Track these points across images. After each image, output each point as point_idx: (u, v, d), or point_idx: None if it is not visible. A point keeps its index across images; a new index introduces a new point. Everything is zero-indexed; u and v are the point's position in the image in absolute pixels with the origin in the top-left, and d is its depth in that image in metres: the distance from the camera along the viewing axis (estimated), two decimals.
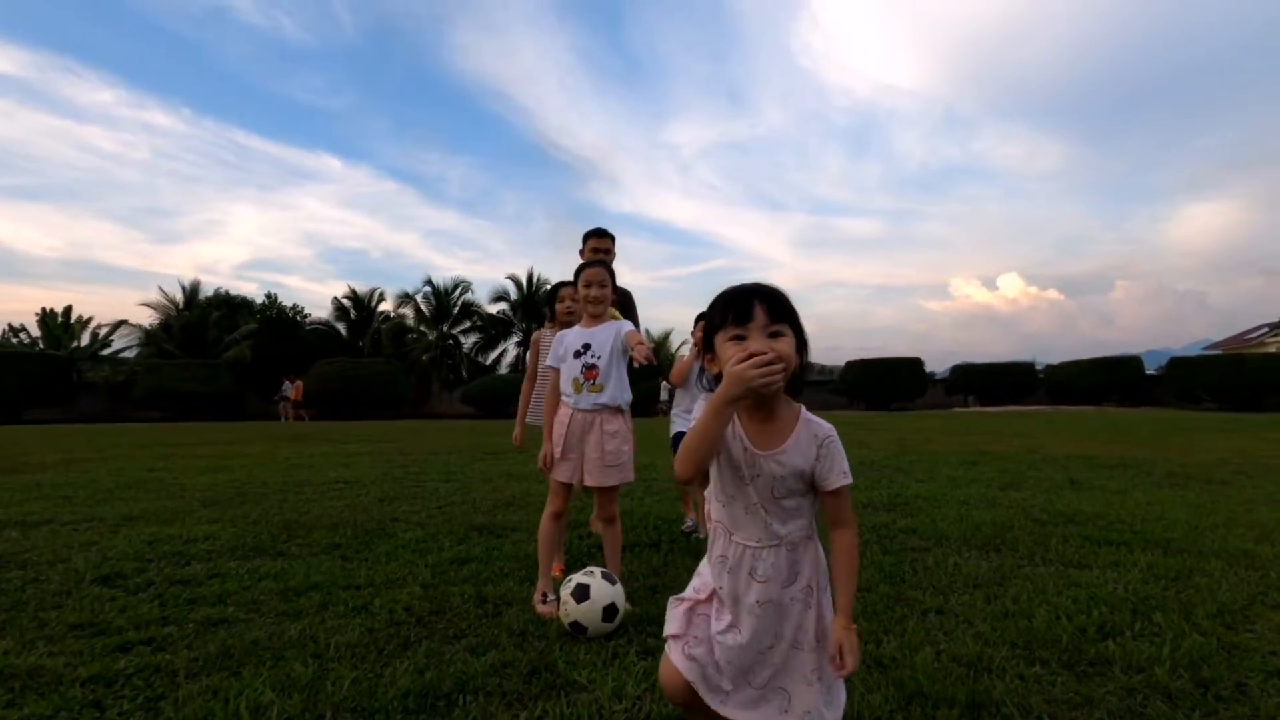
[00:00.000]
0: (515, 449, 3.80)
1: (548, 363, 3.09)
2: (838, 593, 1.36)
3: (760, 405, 1.36)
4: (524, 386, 3.76)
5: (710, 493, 1.48)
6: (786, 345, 1.29)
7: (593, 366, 2.94)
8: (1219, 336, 37.23)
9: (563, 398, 3.02)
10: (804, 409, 1.38)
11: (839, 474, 1.34)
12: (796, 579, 1.39)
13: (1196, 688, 2.04)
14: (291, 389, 27.38)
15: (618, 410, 2.98)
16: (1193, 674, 2.11)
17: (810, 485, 1.37)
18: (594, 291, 2.98)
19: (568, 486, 2.95)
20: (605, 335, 2.98)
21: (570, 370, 2.98)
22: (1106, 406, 28.00)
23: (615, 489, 2.98)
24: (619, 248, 4.06)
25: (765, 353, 1.24)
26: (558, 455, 2.93)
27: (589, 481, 2.92)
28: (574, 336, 3.02)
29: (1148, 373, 31.30)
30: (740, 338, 1.30)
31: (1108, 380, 30.24)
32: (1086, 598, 2.82)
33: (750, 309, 1.31)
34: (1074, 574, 3.19)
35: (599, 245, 4.12)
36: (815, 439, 1.34)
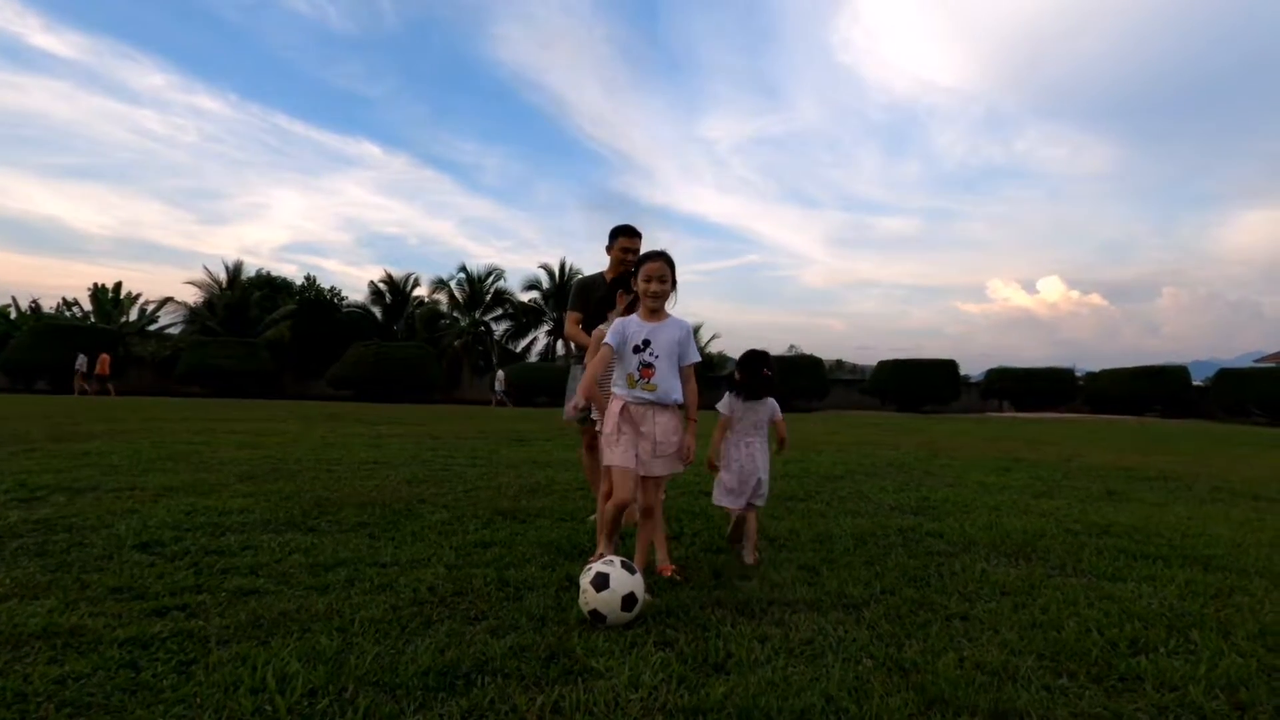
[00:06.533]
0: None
1: (607, 339, 3.05)
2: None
3: None
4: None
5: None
6: None
7: (649, 365, 2.97)
8: (1274, 349, 35.65)
9: (614, 388, 3.05)
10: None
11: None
12: None
13: (1233, 710, 1.96)
14: (98, 363, 25.88)
15: (669, 405, 3.01)
16: (1229, 695, 2.03)
17: None
18: (654, 287, 2.98)
19: (627, 471, 2.91)
20: (667, 336, 3.00)
21: (627, 365, 3.01)
22: (1148, 417, 27.08)
23: (662, 480, 3.00)
24: (651, 240, 4.05)
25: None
26: (596, 417, 3.02)
27: (640, 471, 2.94)
28: (636, 328, 3.02)
29: (1194, 384, 30.15)
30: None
31: (1151, 390, 29.22)
32: (1119, 611, 2.74)
33: None
34: (1107, 586, 3.10)
35: (629, 245, 4.04)
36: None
